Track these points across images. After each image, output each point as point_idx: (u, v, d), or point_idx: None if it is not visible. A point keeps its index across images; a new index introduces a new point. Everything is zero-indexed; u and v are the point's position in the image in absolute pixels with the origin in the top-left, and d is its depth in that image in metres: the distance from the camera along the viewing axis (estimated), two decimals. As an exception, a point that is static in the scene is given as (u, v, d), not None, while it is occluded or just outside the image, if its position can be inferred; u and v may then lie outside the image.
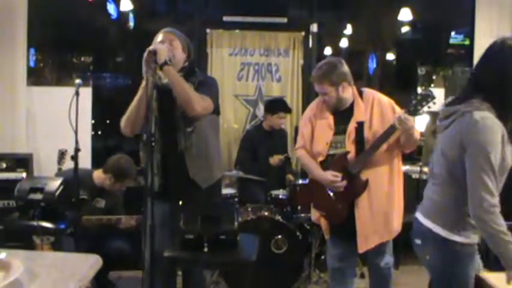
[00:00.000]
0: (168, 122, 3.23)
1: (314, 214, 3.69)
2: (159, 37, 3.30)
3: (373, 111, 3.41)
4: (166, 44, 3.20)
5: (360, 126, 3.40)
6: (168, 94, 3.17)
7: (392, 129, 3.23)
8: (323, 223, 3.62)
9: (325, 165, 3.48)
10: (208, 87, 3.27)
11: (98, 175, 4.39)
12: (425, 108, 3.17)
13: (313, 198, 3.65)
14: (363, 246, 3.43)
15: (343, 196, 3.43)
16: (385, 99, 3.49)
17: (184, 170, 3.22)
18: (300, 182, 4.82)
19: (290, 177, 5.47)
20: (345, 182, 3.39)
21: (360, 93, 3.51)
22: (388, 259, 3.71)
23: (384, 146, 3.34)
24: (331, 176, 3.40)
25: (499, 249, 2.32)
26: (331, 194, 3.48)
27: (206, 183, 3.28)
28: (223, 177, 4.41)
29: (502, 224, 2.30)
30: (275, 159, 5.40)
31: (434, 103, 3.16)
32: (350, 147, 3.40)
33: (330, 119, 3.49)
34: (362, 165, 3.36)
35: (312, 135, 3.56)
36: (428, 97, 3.16)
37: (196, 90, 3.19)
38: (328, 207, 3.51)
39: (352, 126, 3.41)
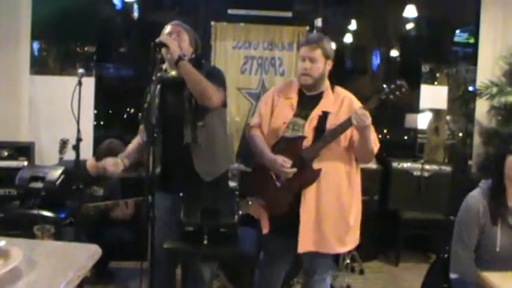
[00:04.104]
0: (173, 115, 3.21)
1: (256, 208, 3.35)
2: (167, 29, 3.29)
3: (341, 108, 3.18)
4: (174, 36, 3.19)
5: (324, 115, 3.15)
6: (175, 87, 3.17)
7: (348, 122, 3.00)
8: (262, 216, 3.26)
9: (277, 148, 3.19)
10: (217, 78, 3.22)
11: (91, 163, 4.40)
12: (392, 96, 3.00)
13: (257, 187, 3.31)
14: (303, 245, 3.10)
15: (290, 184, 3.12)
16: (357, 102, 3.22)
17: (188, 162, 3.20)
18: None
19: None
20: (295, 169, 3.09)
21: (332, 88, 3.28)
22: (326, 277, 3.39)
23: (343, 143, 3.14)
24: (281, 160, 3.10)
25: None
26: (277, 181, 3.18)
27: (210, 177, 3.25)
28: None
29: None
30: None
31: (405, 93, 3.01)
32: (308, 133, 3.13)
33: (294, 100, 3.25)
34: (315, 153, 3.09)
35: (271, 115, 3.29)
36: (402, 87, 3.00)
37: None
38: (271, 196, 3.18)
39: (316, 113, 3.16)
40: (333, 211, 3.13)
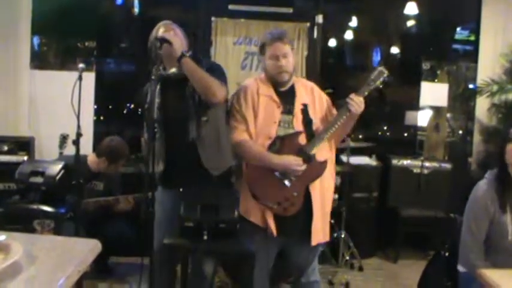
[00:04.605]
0: (176, 112, 3.19)
1: (257, 212, 3.14)
2: (160, 29, 3.22)
3: (314, 97, 3.23)
4: (171, 33, 3.15)
5: (305, 107, 3.17)
6: (176, 84, 3.15)
7: (344, 111, 3.04)
8: (270, 218, 3.09)
9: (274, 148, 3.10)
10: (218, 74, 3.18)
11: (92, 160, 4.41)
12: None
13: (264, 192, 3.11)
14: (315, 238, 3.11)
15: (298, 182, 3.07)
16: (321, 91, 3.32)
17: (194, 158, 3.18)
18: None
19: None
20: (305, 166, 3.06)
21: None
22: (317, 273, 3.42)
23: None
24: (291, 159, 3.04)
25: None
26: (285, 181, 3.08)
27: (218, 171, 3.24)
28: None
29: None
30: None
31: (387, 80, 3.09)
32: (299, 128, 3.12)
33: (275, 97, 3.16)
34: (317, 146, 3.08)
35: (254, 116, 3.17)
36: (383, 73, 3.05)
37: None
38: (283, 197, 3.06)
39: (298, 107, 3.15)
40: (330, 197, 3.22)
